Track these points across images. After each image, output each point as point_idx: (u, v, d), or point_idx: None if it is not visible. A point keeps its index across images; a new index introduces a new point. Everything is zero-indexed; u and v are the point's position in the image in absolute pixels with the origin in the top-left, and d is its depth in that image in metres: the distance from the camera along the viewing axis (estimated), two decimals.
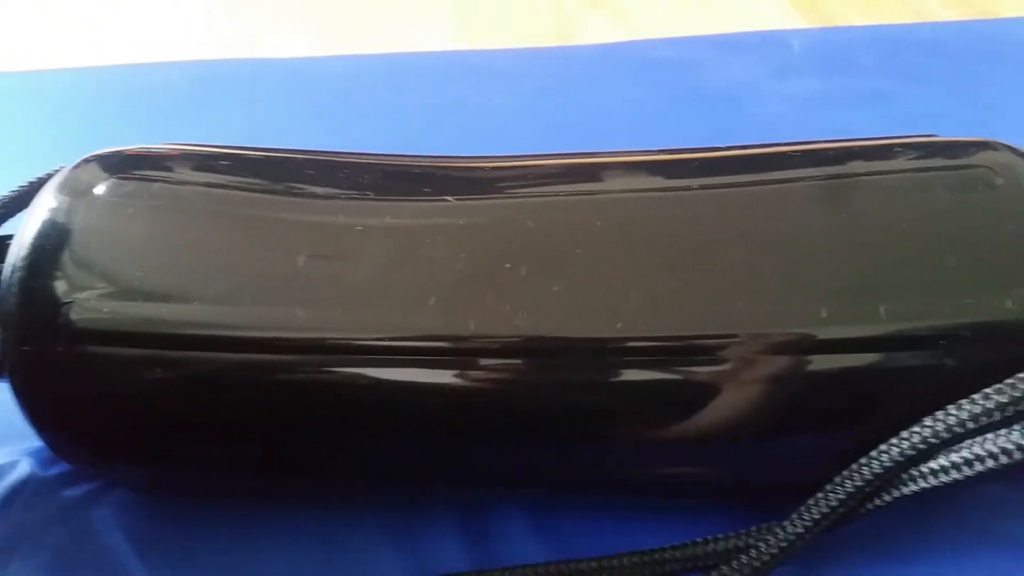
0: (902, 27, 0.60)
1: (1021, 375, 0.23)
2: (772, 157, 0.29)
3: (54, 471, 0.32)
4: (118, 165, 0.28)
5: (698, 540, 0.29)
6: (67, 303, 0.26)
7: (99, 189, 0.27)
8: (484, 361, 0.25)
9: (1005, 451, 0.23)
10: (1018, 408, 0.23)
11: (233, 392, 0.26)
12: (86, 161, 0.29)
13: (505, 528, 0.31)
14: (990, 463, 0.23)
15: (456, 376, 0.25)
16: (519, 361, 0.26)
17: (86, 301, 0.26)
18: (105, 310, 0.26)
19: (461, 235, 0.26)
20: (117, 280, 0.26)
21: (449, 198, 0.27)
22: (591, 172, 0.29)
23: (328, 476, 0.30)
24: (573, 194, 0.28)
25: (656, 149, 0.30)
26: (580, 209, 0.27)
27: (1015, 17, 0.60)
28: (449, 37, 0.70)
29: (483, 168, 0.29)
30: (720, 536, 0.29)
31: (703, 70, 0.54)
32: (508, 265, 0.26)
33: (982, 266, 0.25)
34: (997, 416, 0.24)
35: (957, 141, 0.29)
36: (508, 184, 0.29)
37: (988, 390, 0.24)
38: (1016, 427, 0.23)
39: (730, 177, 0.29)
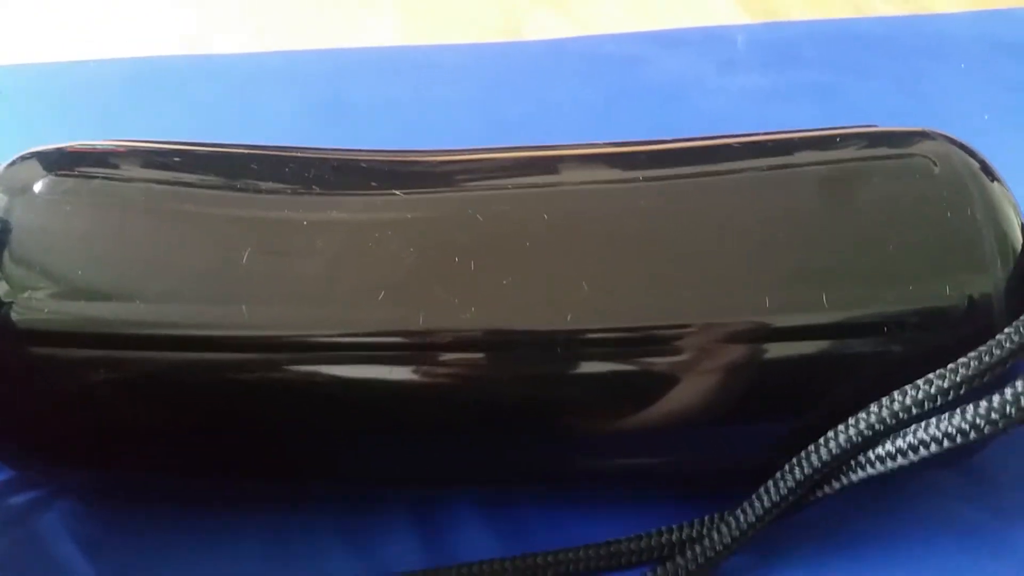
0: (844, 22, 0.61)
1: (963, 360, 0.24)
2: (717, 149, 0.29)
3: None
4: (57, 162, 0.28)
5: (652, 531, 0.29)
6: (6, 304, 0.25)
7: (37, 187, 0.27)
8: (434, 355, 0.25)
9: (948, 435, 0.23)
10: (959, 393, 0.24)
11: (179, 392, 0.26)
12: (23, 158, 0.28)
13: (459, 523, 0.31)
14: (934, 448, 0.24)
15: (407, 371, 0.25)
16: (470, 355, 0.25)
17: (26, 301, 0.25)
18: (46, 310, 0.25)
19: (409, 229, 0.26)
20: (57, 280, 0.25)
21: (396, 192, 0.27)
22: (539, 165, 0.29)
23: (278, 476, 0.30)
24: (521, 187, 0.28)
25: (603, 143, 0.31)
26: (528, 202, 0.27)
27: (950, 13, 0.61)
28: (394, 33, 0.70)
29: (430, 162, 0.29)
30: (674, 527, 0.29)
31: (649, 66, 0.54)
32: (457, 259, 0.25)
33: (922, 253, 0.26)
34: (940, 401, 0.24)
35: (896, 131, 0.29)
36: (456, 178, 0.29)
37: (931, 375, 0.24)
38: (958, 412, 0.23)
39: (676, 169, 0.29)
